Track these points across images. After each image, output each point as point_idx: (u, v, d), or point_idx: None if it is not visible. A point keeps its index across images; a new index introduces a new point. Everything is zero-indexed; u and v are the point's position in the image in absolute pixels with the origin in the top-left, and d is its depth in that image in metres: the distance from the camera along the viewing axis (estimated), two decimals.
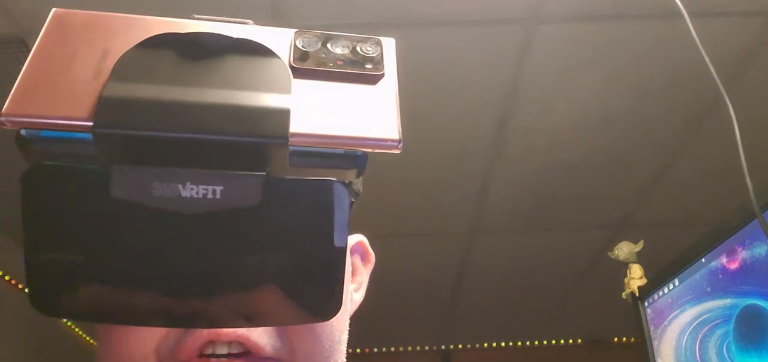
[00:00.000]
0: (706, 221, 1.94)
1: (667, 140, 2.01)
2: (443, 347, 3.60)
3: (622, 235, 2.22)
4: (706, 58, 0.85)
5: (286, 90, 0.32)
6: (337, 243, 0.31)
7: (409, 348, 3.57)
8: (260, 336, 0.40)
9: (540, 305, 3.12)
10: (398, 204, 2.28)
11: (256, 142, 0.30)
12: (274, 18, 1.51)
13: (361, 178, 0.47)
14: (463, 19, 1.54)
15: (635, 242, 2.03)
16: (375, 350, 3.51)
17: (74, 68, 0.31)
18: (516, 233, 2.51)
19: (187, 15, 0.35)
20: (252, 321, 0.34)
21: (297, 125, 0.30)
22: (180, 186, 0.29)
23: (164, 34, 0.33)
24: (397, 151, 0.31)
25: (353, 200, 0.48)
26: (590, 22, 1.57)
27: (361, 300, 0.54)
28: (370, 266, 0.56)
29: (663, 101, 1.84)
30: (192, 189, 0.29)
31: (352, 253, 0.54)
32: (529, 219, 2.41)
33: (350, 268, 0.51)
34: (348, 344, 0.48)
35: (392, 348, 3.55)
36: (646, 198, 2.31)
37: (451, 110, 1.84)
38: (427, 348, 3.59)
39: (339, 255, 0.31)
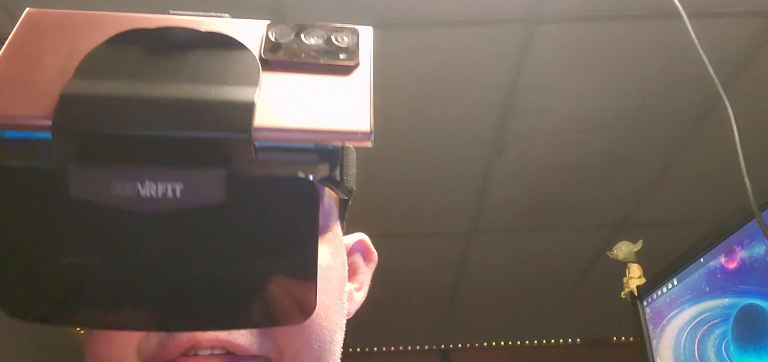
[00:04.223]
0: (705, 221, 1.94)
1: (666, 140, 2.01)
2: (443, 346, 3.60)
3: (622, 235, 2.22)
4: (705, 59, 0.86)
5: (253, 83, 0.30)
6: (307, 241, 0.30)
7: (409, 348, 3.57)
8: (244, 338, 0.38)
9: (540, 305, 3.12)
10: (398, 204, 2.28)
11: (217, 137, 0.28)
12: (275, 18, 1.51)
13: (353, 173, 0.46)
14: (463, 19, 1.54)
15: (634, 242, 2.03)
16: (375, 349, 3.51)
17: (42, 67, 0.31)
18: (516, 233, 2.52)
19: (167, 11, 0.35)
20: (221, 323, 0.32)
21: (262, 119, 0.29)
22: (139, 184, 0.28)
23: (131, 30, 0.32)
24: (369, 144, 0.30)
25: (346, 198, 0.47)
26: (590, 22, 1.57)
27: (363, 300, 0.52)
28: (373, 265, 0.54)
29: (663, 101, 1.84)
30: (151, 187, 0.28)
31: (352, 252, 0.53)
32: (529, 219, 2.41)
33: (347, 267, 0.49)
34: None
35: (392, 348, 3.55)
36: (645, 198, 2.31)
37: (451, 110, 1.84)
38: (427, 347, 3.59)
39: (310, 254, 0.30)
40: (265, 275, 0.30)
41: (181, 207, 0.28)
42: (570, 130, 1.94)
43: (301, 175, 0.29)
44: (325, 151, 0.31)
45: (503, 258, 2.68)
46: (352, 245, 0.53)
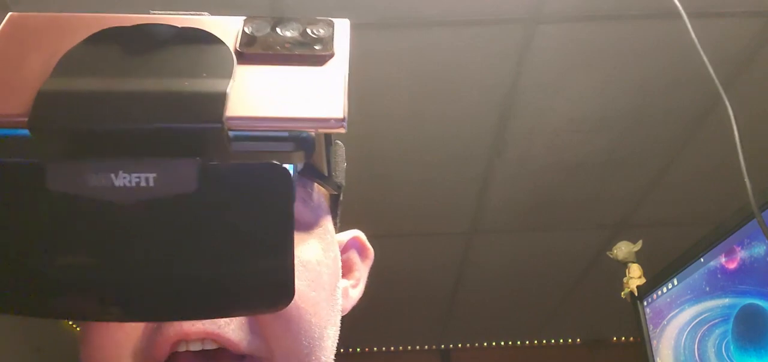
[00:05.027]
0: (705, 221, 1.94)
1: (666, 140, 2.01)
2: (443, 346, 3.60)
3: (622, 235, 2.22)
4: (705, 59, 0.86)
5: (226, 75, 0.31)
6: (282, 228, 0.30)
7: (409, 348, 3.57)
8: (234, 333, 0.38)
9: (540, 305, 3.12)
10: (398, 204, 2.28)
11: (190, 128, 0.29)
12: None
13: (343, 169, 0.46)
14: (463, 19, 1.54)
15: (634, 242, 2.04)
16: (375, 349, 3.51)
17: (23, 68, 0.31)
18: (516, 233, 2.52)
19: (147, 11, 0.35)
20: (199, 312, 0.33)
21: (235, 109, 0.30)
22: (113, 175, 0.28)
23: (108, 28, 0.33)
24: (342, 130, 0.31)
25: (336, 193, 0.47)
26: (590, 22, 1.57)
27: (359, 296, 0.52)
28: (369, 261, 0.54)
29: (663, 101, 1.84)
30: (124, 178, 0.28)
31: (347, 249, 0.53)
32: (529, 219, 2.41)
33: (341, 264, 0.49)
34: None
35: (392, 348, 3.55)
36: (645, 198, 2.31)
37: (451, 110, 1.84)
38: (426, 347, 3.59)
39: (286, 241, 0.30)
40: (242, 263, 0.31)
41: (155, 197, 0.28)
42: (570, 130, 1.94)
43: (275, 162, 0.30)
44: (299, 138, 0.31)
45: (503, 258, 2.68)
46: (347, 242, 0.53)
